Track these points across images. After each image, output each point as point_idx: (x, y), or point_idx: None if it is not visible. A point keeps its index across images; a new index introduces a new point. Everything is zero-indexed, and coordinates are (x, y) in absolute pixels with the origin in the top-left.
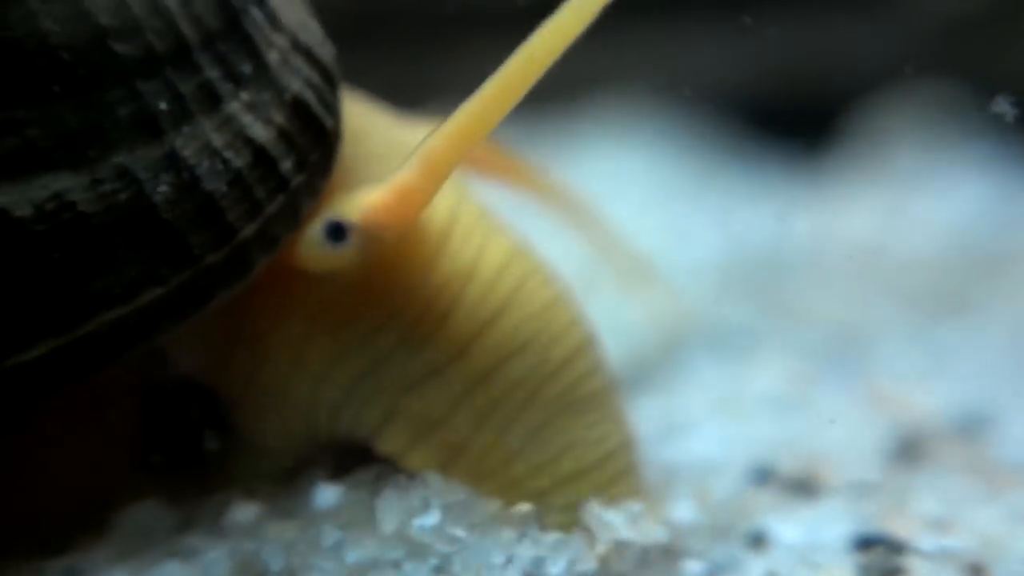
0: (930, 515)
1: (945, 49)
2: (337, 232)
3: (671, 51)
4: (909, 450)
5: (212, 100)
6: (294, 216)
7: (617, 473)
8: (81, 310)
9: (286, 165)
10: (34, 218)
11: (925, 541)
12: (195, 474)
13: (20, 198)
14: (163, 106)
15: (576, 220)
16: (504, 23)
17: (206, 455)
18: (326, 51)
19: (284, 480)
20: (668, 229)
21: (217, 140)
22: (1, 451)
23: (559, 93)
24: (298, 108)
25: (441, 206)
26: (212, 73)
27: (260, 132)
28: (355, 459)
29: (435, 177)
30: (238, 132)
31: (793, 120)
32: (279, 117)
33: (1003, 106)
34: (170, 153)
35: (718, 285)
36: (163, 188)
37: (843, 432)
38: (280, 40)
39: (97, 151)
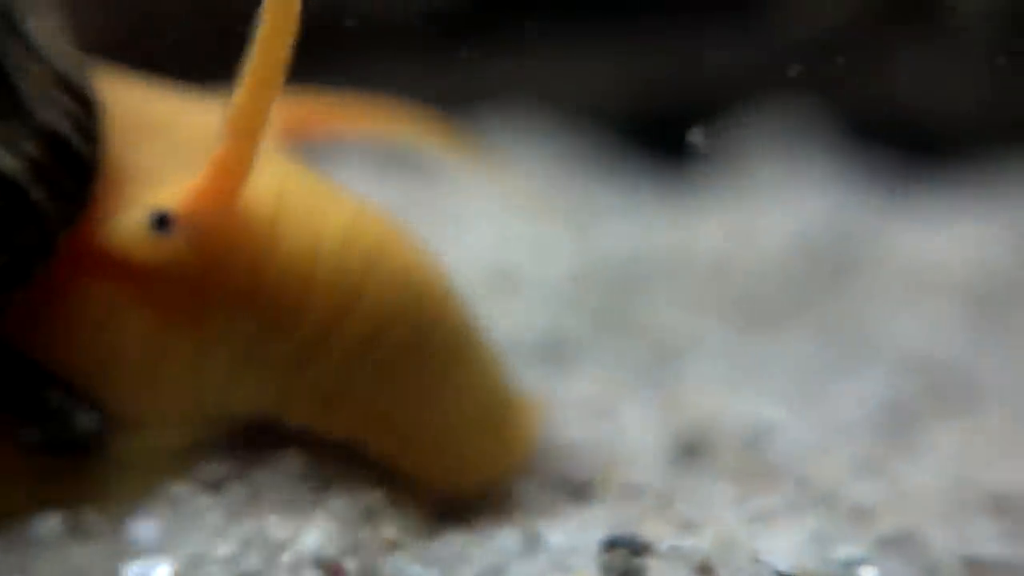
0: (684, 518)
1: (811, 67)
2: (161, 223)
3: (545, 67)
4: (690, 456)
5: None
6: (46, 245)
7: (510, 414)
8: None
9: (37, 195)
10: None
11: (666, 543)
12: (77, 459)
13: None
14: None
15: (426, 135)
16: (399, 37)
17: (83, 438)
18: (82, 74)
19: (181, 461)
20: (531, 242)
21: None
22: None
23: (441, 108)
24: (53, 139)
25: (265, 186)
26: None
27: (9, 163)
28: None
29: (243, 148)
30: None
31: (666, 135)
32: (31, 148)
33: (697, 137)
34: None
35: (568, 298)
36: None
37: (635, 439)
38: (36, 68)
39: None
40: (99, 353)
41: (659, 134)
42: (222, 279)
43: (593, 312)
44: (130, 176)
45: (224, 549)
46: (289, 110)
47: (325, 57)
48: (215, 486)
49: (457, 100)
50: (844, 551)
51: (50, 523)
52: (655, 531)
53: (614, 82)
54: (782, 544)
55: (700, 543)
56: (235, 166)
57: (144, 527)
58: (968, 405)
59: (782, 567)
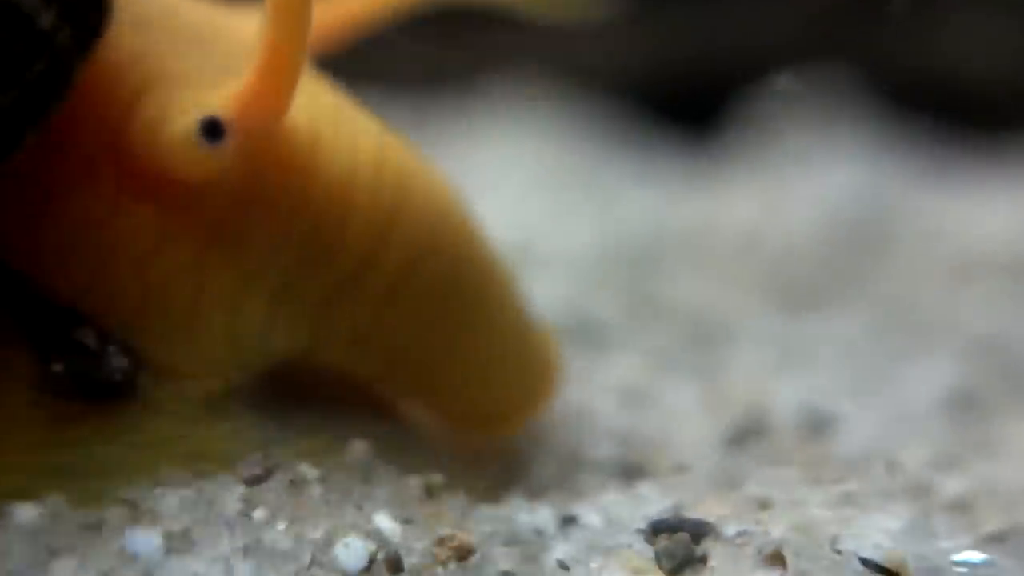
0: (755, 498)
1: (830, 36)
2: (213, 130)
3: (563, 36)
4: (745, 442)
5: None
6: (60, 80)
7: (536, 346)
8: None
9: (46, 21)
10: None
11: (732, 527)
12: (109, 401)
13: None
14: None
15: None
16: None
17: (113, 380)
18: None
19: (210, 408)
20: (549, 215)
21: None
22: None
23: (450, 77)
24: None
25: (299, 105)
26: None
27: None
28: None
29: (293, 45)
30: None
31: (684, 106)
32: None
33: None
34: None
35: (590, 274)
36: None
37: (685, 424)
38: None
39: None
40: (137, 293)
41: (681, 100)
42: (267, 201)
43: (620, 290)
44: (167, 82)
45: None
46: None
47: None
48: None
49: (464, 67)
50: (947, 544)
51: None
52: (718, 513)
53: (631, 44)
54: (872, 534)
55: (773, 529)
56: (285, 66)
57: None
58: None
59: (874, 557)
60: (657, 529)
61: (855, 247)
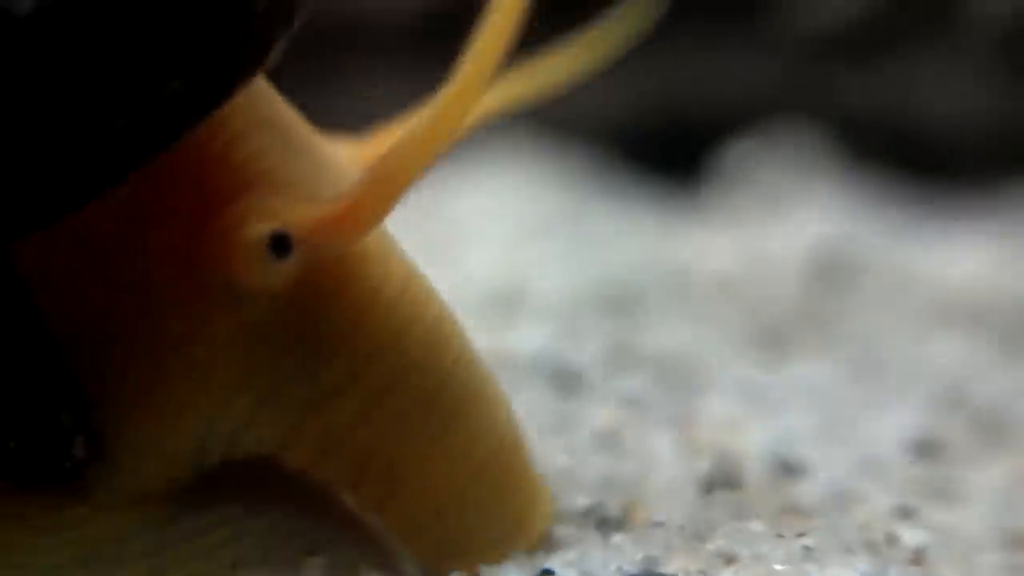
0: (721, 553)
1: (819, 83)
2: (281, 245)
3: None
4: (717, 490)
5: None
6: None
7: (512, 464)
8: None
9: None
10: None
11: None
12: (49, 488)
13: None
14: None
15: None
16: (387, 40)
17: (71, 466)
18: None
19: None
20: (532, 263)
21: None
22: None
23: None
24: None
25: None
26: None
27: None
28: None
29: (390, 196)
30: None
31: (664, 154)
32: None
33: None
34: None
35: (573, 322)
36: None
37: (659, 472)
38: None
39: None
40: (143, 379)
41: (661, 148)
42: (295, 312)
43: (600, 336)
44: (266, 185)
45: None
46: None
47: (314, 56)
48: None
49: None
50: None
51: None
52: (687, 568)
53: (612, 93)
54: None
55: None
56: (374, 213)
57: None
58: (1006, 442)
59: None
60: None
61: (828, 294)
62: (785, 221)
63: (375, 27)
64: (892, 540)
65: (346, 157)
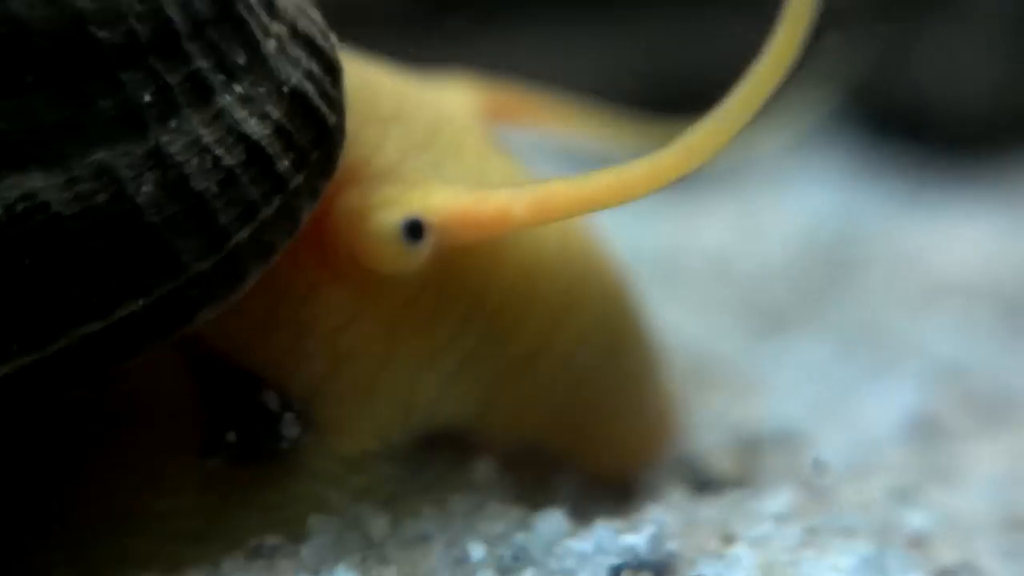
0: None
1: (807, 60)
2: (415, 231)
3: (546, 54)
4: (712, 471)
5: (202, 92)
6: (292, 220)
7: (669, 406)
8: (53, 324)
9: (283, 164)
10: (2, 220)
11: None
12: (265, 467)
13: None
14: (147, 98)
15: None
16: (382, 16)
17: (282, 447)
18: (328, 40)
19: (361, 471)
20: None
21: (207, 136)
22: (49, 460)
23: None
24: (297, 102)
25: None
26: (202, 63)
27: (255, 128)
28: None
29: (543, 218)
30: (230, 127)
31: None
32: (276, 112)
33: None
34: (155, 150)
35: None
36: (147, 188)
37: None
38: (277, 27)
39: (74, 147)
40: (325, 362)
41: (656, 119)
42: (457, 283)
43: None
44: (375, 167)
45: None
46: (490, 95)
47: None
48: None
49: None
50: None
51: None
52: (692, 545)
53: (606, 68)
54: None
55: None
56: (519, 221)
57: None
58: (1006, 418)
59: None
60: (621, 567)
61: (826, 271)
62: (783, 197)
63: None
64: (892, 522)
65: (470, 106)
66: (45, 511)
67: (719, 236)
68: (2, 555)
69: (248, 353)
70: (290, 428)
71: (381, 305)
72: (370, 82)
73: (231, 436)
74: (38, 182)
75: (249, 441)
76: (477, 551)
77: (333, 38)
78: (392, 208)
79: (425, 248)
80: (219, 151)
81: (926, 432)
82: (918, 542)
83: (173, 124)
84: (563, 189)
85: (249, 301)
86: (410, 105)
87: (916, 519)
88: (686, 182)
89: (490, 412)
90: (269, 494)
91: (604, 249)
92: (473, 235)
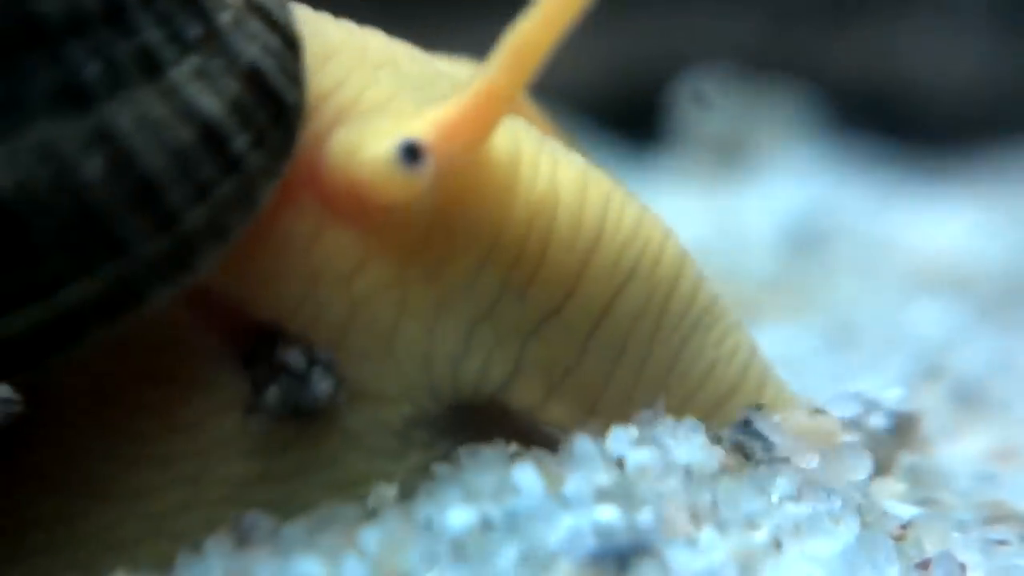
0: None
1: (785, 49)
2: (411, 153)
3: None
4: None
5: (152, 66)
6: (250, 201)
7: (760, 380)
8: None
9: (239, 142)
10: None
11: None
12: (306, 425)
13: None
14: (93, 72)
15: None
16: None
17: (318, 403)
18: (286, 13)
19: (404, 434)
20: None
21: (157, 111)
22: (93, 428)
23: None
24: (254, 78)
25: (501, 133)
26: (152, 35)
27: (209, 104)
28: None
29: (514, 79)
30: (183, 103)
31: (635, 118)
32: (232, 87)
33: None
34: (100, 125)
35: None
36: (91, 165)
37: None
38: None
39: (12, 123)
40: (341, 309)
41: (632, 111)
42: (466, 228)
43: None
44: (361, 111)
45: None
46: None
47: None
48: None
49: None
50: (872, 573)
51: None
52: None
53: (584, 56)
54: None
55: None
56: (499, 97)
57: None
58: (985, 414)
59: None
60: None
61: (805, 263)
62: (760, 186)
63: None
64: (877, 511)
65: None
66: (100, 477)
67: (698, 229)
68: (53, 520)
69: (261, 305)
70: (321, 382)
71: (389, 247)
72: (358, 37)
73: (272, 395)
74: None
75: (287, 397)
76: None
77: (291, 10)
78: (386, 137)
79: (425, 171)
80: (170, 127)
81: (906, 424)
82: (901, 534)
83: (121, 99)
84: (520, 32)
85: (253, 251)
86: (403, 58)
87: (898, 510)
88: (667, 174)
89: (523, 375)
90: (327, 470)
91: (632, 198)
92: (472, 136)
